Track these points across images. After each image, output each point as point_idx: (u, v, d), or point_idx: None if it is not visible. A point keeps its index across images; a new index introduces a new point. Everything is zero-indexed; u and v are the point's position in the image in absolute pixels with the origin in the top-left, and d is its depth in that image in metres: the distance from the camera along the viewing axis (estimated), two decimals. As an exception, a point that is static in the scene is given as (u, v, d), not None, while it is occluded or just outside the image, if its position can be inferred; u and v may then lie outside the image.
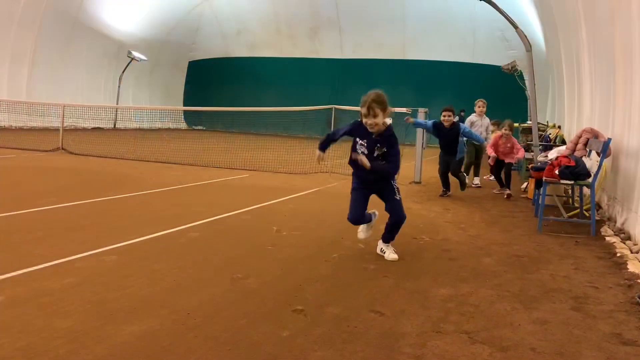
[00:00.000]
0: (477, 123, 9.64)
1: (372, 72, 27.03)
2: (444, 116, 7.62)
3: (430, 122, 8.00)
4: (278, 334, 2.63)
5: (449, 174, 8.00)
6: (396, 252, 4.22)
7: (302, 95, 26.71)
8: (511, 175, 8.51)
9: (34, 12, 19.89)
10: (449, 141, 7.72)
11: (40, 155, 11.12)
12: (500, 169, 8.29)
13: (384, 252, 4.25)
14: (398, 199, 4.24)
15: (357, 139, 4.15)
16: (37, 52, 20.72)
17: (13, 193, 6.48)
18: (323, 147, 4.51)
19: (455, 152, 7.74)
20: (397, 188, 4.29)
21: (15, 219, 5.03)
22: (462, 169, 8.29)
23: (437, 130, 7.76)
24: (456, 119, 8.83)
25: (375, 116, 3.95)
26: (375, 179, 4.18)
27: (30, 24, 19.94)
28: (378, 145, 4.06)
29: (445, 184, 8.00)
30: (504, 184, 8.47)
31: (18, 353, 2.31)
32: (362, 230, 4.48)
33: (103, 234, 4.57)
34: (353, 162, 4.14)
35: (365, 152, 4.08)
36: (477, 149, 9.45)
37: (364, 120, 4.02)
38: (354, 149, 4.16)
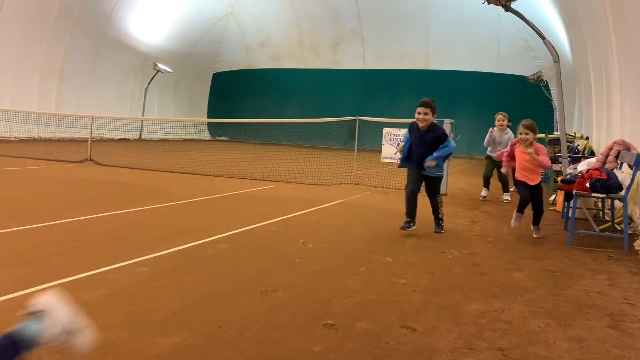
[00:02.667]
0: (498, 139, 8.78)
1: (394, 82, 27.04)
2: (419, 113, 5.72)
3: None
4: (310, 349, 2.62)
5: (428, 198, 6.00)
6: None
7: (325, 106, 26.83)
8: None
9: (64, 27, 20.41)
10: (422, 148, 5.75)
11: (69, 166, 11.34)
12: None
13: None
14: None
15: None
16: (66, 65, 21.24)
17: (45, 204, 6.62)
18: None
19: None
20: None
21: (47, 229, 5.14)
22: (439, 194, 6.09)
23: (409, 132, 6.01)
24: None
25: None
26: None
27: (60, 38, 20.47)
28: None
29: (411, 210, 5.77)
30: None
31: (56, 365, 2.34)
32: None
33: (133, 245, 4.63)
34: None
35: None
36: (498, 163, 7.99)
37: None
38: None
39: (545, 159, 5.70)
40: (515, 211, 5.93)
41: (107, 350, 2.49)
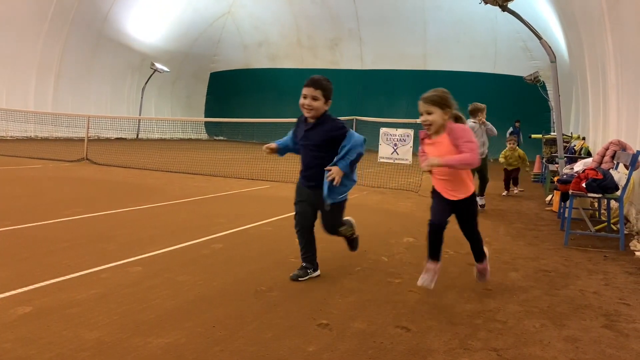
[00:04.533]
0: (478, 132, 7.54)
1: (392, 83, 27.07)
2: (304, 97, 3.74)
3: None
4: (304, 349, 2.61)
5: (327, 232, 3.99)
6: None
7: (322, 106, 26.78)
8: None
9: (61, 25, 20.36)
10: (308, 153, 3.89)
11: (65, 165, 11.30)
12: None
13: None
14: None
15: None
16: (63, 64, 21.18)
17: (40, 203, 6.59)
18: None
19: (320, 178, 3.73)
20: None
21: (42, 228, 5.11)
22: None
23: (295, 128, 4.13)
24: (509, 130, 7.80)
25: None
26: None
27: (56, 36, 20.42)
28: None
29: (308, 249, 3.95)
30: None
31: (47, 364, 2.32)
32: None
33: (128, 244, 4.61)
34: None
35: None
36: (483, 162, 7.23)
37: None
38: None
39: (463, 153, 3.36)
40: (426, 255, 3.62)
41: (99, 351, 2.47)
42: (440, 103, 3.49)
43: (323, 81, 3.76)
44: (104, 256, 4.15)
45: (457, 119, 3.61)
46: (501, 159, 9.75)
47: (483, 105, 7.57)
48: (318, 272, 3.92)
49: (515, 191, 10.13)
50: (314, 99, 3.71)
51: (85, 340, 2.58)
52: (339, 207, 3.86)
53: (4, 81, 18.73)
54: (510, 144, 9.62)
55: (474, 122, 7.53)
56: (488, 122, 7.59)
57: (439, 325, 3.01)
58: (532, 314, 3.29)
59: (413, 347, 2.70)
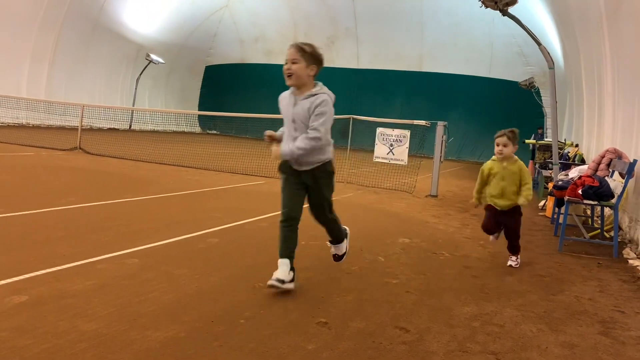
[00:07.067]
0: None
1: (388, 83, 27.10)
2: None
3: None
4: (304, 347, 2.60)
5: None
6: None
7: (317, 103, 26.73)
8: None
9: (56, 13, 20.15)
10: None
11: (58, 154, 11.19)
12: None
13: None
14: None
15: None
16: (57, 52, 20.97)
17: (33, 191, 6.52)
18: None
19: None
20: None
21: (36, 217, 5.05)
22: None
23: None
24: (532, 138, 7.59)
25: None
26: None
27: (51, 24, 20.20)
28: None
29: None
30: None
31: (44, 355, 2.29)
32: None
33: (123, 236, 4.57)
34: None
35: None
36: None
37: None
38: None
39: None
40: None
41: (98, 342, 2.44)
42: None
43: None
44: (100, 247, 4.11)
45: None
46: None
47: None
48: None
49: None
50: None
51: (82, 332, 2.55)
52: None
53: (-3, 67, 18.52)
54: None
55: None
56: None
57: (437, 327, 3.02)
58: (529, 318, 3.30)
59: (412, 348, 2.69)
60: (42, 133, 16.10)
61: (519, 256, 4.74)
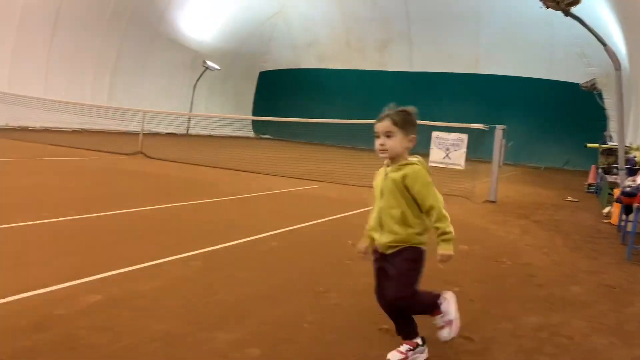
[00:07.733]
0: None
1: (442, 85, 26.69)
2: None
3: None
4: (367, 353, 2.60)
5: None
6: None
7: (368, 107, 26.56)
8: None
9: (118, 24, 21.09)
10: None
11: (121, 158, 11.66)
12: None
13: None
14: None
15: None
16: (119, 60, 21.93)
17: (100, 194, 6.82)
18: None
19: None
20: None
21: (104, 220, 5.28)
22: None
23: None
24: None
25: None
26: None
27: (114, 34, 21.15)
28: None
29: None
30: None
31: (120, 352, 2.40)
32: None
33: (186, 238, 4.71)
34: None
35: None
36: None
37: None
38: None
39: None
40: None
41: (168, 342, 2.54)
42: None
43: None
44: (165, 249, 4.26)
45: None
46: None
47: None
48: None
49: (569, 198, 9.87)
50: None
51: (154, 331, 2.65)
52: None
53: (64, 76, 19.53)
54: None
55: None
56: None
57: (502, 337, 2.95)
58: (598, 330, 3.18)
59: (477, 357, 2.65)
60: (106, 138, 16.81)
61: (419, 343, 2.65)
